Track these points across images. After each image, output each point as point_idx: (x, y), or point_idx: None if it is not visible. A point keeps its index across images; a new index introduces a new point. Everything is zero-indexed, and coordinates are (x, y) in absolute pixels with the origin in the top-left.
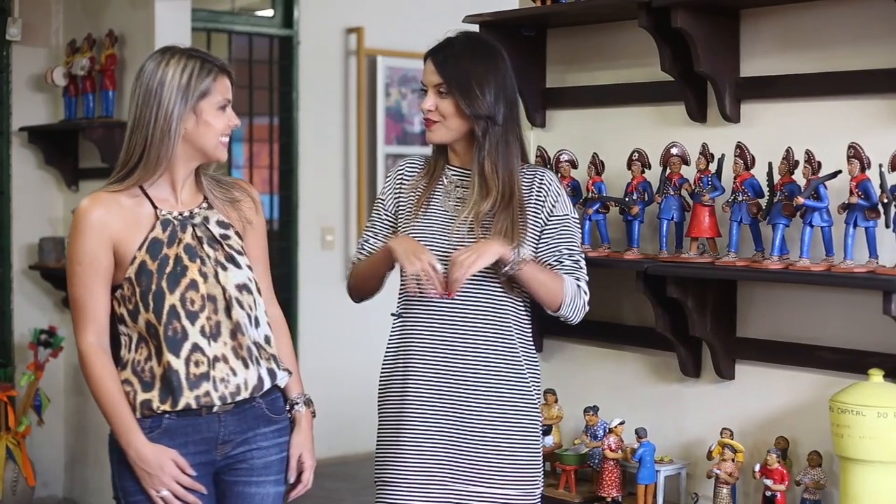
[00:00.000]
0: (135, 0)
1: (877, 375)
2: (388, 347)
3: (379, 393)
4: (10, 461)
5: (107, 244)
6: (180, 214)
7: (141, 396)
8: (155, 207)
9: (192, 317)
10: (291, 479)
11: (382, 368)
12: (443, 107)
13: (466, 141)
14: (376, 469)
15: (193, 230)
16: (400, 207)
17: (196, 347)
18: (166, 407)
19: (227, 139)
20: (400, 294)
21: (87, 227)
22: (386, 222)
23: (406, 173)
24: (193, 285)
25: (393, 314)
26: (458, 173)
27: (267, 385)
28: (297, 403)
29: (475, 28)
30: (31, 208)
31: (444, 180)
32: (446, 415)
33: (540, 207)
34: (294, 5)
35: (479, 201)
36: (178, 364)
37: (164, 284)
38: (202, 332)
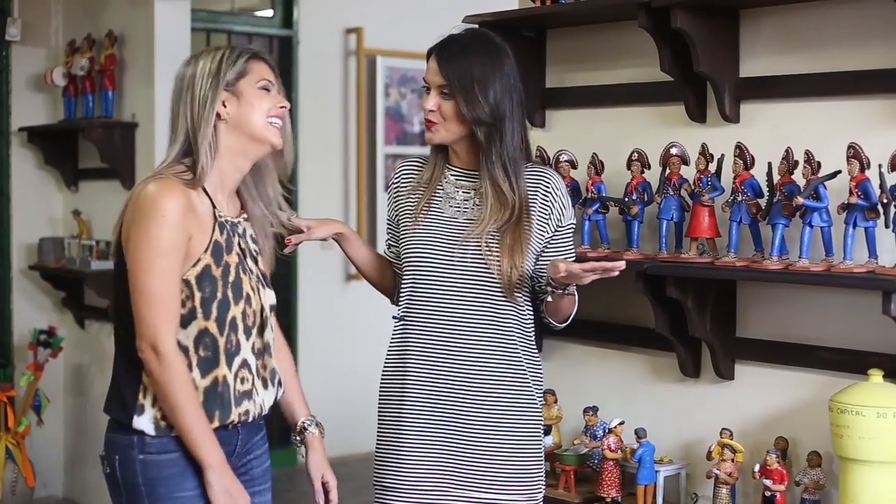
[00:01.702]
0: (134, 0)
1: (876, 375)
2: (388, 350)
3: (379, 395)
4: (9, 461)
5: (186, 238)
6: (230, 220)
7: None
8: (213, 207)
9: (248, 332)
10: (321, 502)
11: (383, 371)
12: (445, 108)
13: (467, 142)
14: (374, 472)
15: (239, 240)
16: (399, 214)
17: (245, 363)
18: (214, 425)
19: (278, 122)
20: (401, 297)
21: (172, 216)
22: (392, 229)
23: (403, 178)
24: (248, 299)
25: (394, 317)
26: (459, 174)
27: (274, 404)
28: (308, 426)
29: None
30: (30, 208)
31: (444, 182)
32: (444, 418)
33: (546, 215)
34: (294, 5)
35: (498, 211)
36: (230, 379)
37: (229, 294)
38: (252, 348)
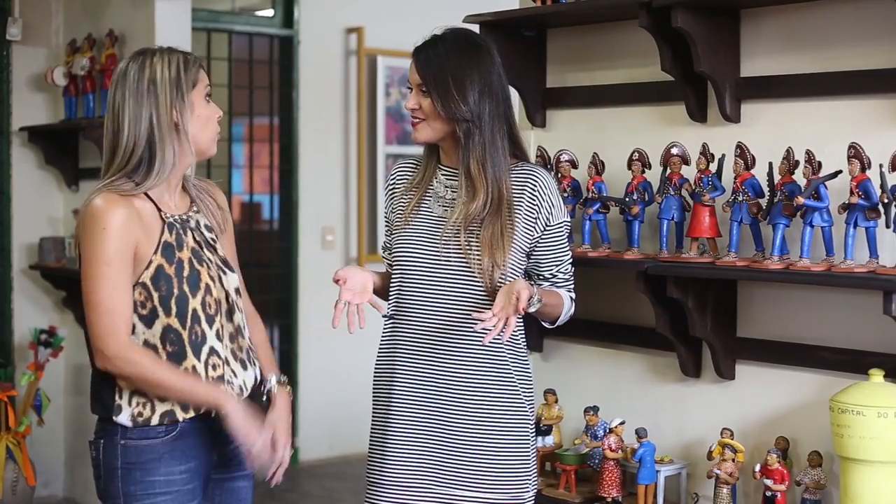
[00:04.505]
0: (135, 0)
1: (877, 375)
2: (379, 348)
3: (371, 393)
4: (10, 461)
5: (132, 246)
6: (179, 217)
7: (160, 407)
8: (159, 210)
9: (210, 320)
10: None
11: (374, 369)
12: (425, 106)
13: (452, 140)
14: (366, 468)
15: (192, 234)
16: (394, 214)
17: (212, 351)
18: (189, 415)
19: (217, 130)
20: (390, 296)
21: (114, 227)
22: (390, 233)
23: (398, 178)
24: (208, 289)
25: (384, 315)
26: (448, 173)
27: (256, 383)
28: (270, 382)
29: (475, 28)
30: (31, 208)
31: (435, 182)
32: (430, 417)
33: (533, 215)
34: (294, 5)
35: (468, 203)
36: (200, 368)
37: (185, 288)
38: (217, 335)
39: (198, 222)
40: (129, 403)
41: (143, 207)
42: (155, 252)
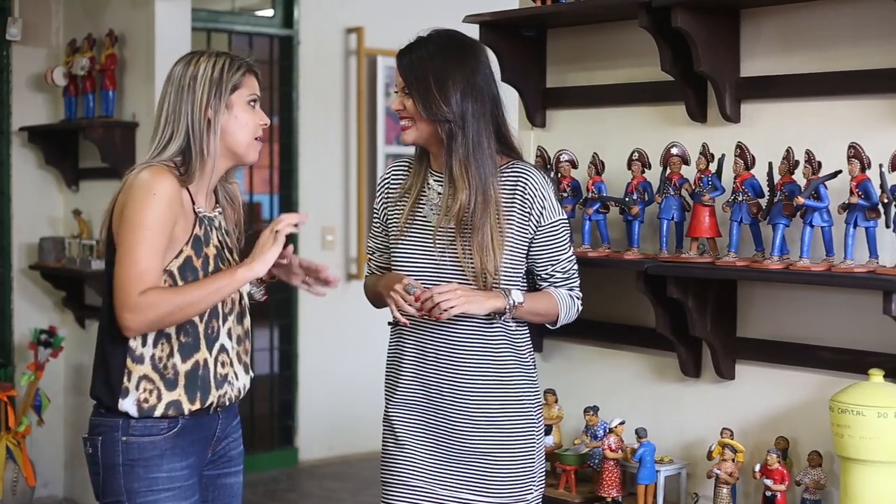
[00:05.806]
0: (135, 0)
1: (877, 375)
2: (387, 354)
3: (384, 397)
4: (10, 461)
5: (172, 221)
6: (207, 215)
7: (167, 396)
8: (193, 203)
9: (224, 319)
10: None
11: (385, 373)
12: (409, 107)
13: (441, 142)
14: (380, 467)
15: (216, 234)
16: (388, 221)
17: (223, 348)
18: (195, 407)
19: (259, 140)
20: None
21: (162, 194)
22: (382, 236)
23: (391, 183)
24: None
25: (390, 322)
26: (439, 179)
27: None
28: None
29: (475, 28)
30: (31, 208)
31: (427, 188)
32: (432, 422)
33: (525, 215)
34: (294, 5)
35: (452, 204)
36: (211, 362)
37: None
38: (228, 334)
39: (220, 223)
40: (137, 388)
41: (184, 196)
42: (186, 242)
